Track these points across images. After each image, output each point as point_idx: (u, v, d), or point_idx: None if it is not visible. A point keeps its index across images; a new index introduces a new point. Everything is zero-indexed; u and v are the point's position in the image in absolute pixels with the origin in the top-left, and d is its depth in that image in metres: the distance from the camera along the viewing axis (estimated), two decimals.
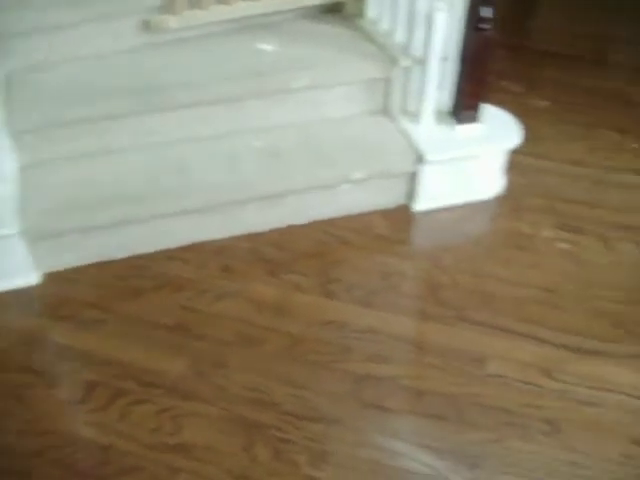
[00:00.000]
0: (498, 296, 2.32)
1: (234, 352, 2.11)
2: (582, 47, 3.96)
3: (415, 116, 2.63)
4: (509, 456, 1.89)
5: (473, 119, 2.60)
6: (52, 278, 2.32)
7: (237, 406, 1.97)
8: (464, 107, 2.56)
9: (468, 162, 2.59)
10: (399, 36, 2.64)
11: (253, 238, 2.45)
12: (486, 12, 2.40)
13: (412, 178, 2.56)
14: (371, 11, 2.80)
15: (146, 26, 2.56)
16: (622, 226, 2.67)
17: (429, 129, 2.61)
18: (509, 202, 2.70)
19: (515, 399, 2.02)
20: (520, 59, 3.78)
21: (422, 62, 2.52)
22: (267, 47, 2.66)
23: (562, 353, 2.16)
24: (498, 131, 2.67)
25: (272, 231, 2.47)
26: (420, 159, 2.50)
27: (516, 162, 2.84)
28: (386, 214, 2.58)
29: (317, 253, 2.41)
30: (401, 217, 2.58)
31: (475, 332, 2.20)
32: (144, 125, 2.46)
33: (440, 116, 2.64)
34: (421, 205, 2.60)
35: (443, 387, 2.04)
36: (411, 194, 2.60)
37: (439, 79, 2.55)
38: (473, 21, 2.43)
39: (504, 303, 2.30)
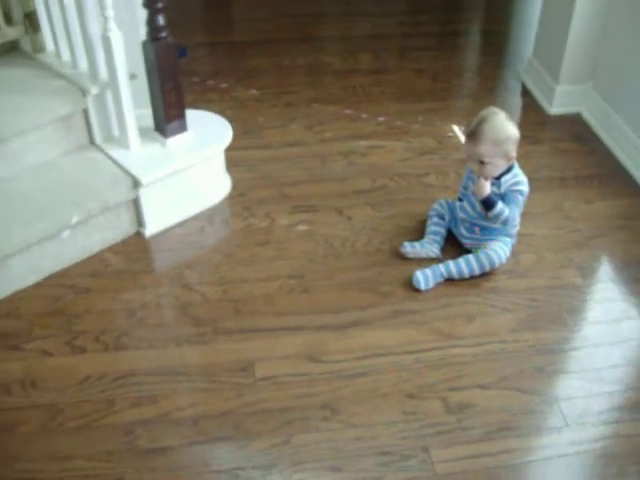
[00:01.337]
0: (248, 298, 2.29)
1: None
2: (285, 29, 4.05)
3: (122, 141, 2.53)
4: (297, 453, 1.87)
5: (180, 129, 2.54)
6: None
7: None
8: (167, 120, 2.49)
9: (186, 173, 2.52)
10: (83, 64, 2.52)
11: None
12: (160, 21, 2.34)
13: (135, 205, 2.46)
14: (49, 44, 2.65)
15: None
16: (352, 192, 2.75)
17: (139, 151, 2.52)
18: (239, 201, 2.69)
19: (289, 395, 2.01)
20: (225, 55, 3.79)
21: (111, 85, 2.43)
22: None
23: (322, 334, 2.18)
24: (209, 134, 2.63)
25: (1, 301, 2.27)
26: (137, 184, 2.40)
27: (237, 158, 2.84)
28: (119, 248, 2.47)
29: (56, 310, 2.25)
30: (135, 247, 2.48)
31: (235, 341, 2.15)
32: None
33: (148, 135, 2.56)
34: (152, 229, 2.51)
35: (217, 407, 1.98)
36: (139, 221, 2.50)
37: (134, 98, 2.46)
38: (152, 33, 2.36)
39: (255, 303, 2.27)
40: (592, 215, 2.68)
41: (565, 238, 2.56)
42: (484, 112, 2.31)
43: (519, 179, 2.35)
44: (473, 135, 2.28)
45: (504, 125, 2.27)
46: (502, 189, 2.33)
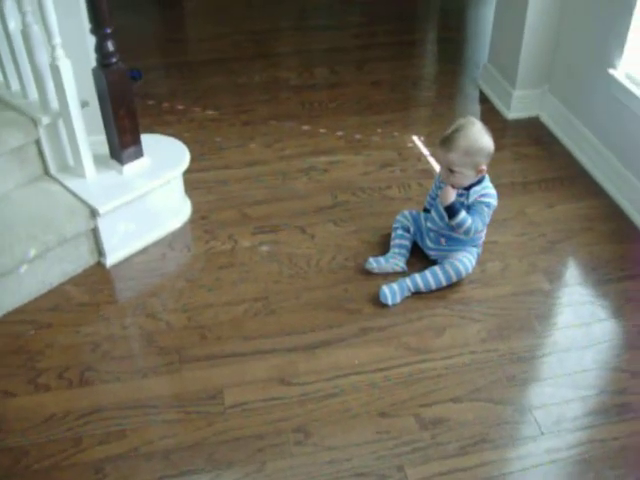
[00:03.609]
0: (214, 323, 2.25)
1: None
2: (240, 46, 4.04)
3: (77, 171, 2.48)
4: None
5: (137, 155, 2.50)
6: None
7: None
8: (122, 146, 2.45)
9: (145, 200, 2.48)
10: (32, 94, 2.47)
11: None
12: (109, 47, 2.30)
13: (94, 235, 2.41)
14: None
15: None
16: (314, 210, 2.73)
17: (95, 180, 2.48)
18: (200, 224, 2.65)
19: (261, 421, 1.97)
20: (180, 76, 3.75)
21: (63, 114, 2.38)
22: None
23: (292, 356, 2.14)
24: (165, 158, 2.60)
25: None
26: (94, 214, 2.36)
27: (197, 181, 2.81)
28: (80, 280, 2.41)
29: (17, 349, 2.18)
30: (96, 278, 2.42)
31: (203, 369, 2.11)
32: None
33: (104, 162, 2.52)
34: (112, 258, 2.47)
35: (187, 438, 1.93)
36: (99, 250, 2.45)
37: (88, 126, 2.42)
38: (101, 59, 2.32)
39: (222, 328, 2.23)
40: (556, 219, 2.68)
41: (530, 244, 2.56)
42: (462, 120, 2.29)
43: (487, 191, 2.33)
44: (447, 141, 2.26)
45: (479, 136, 2.25)
46: (470, 200, 2.32)
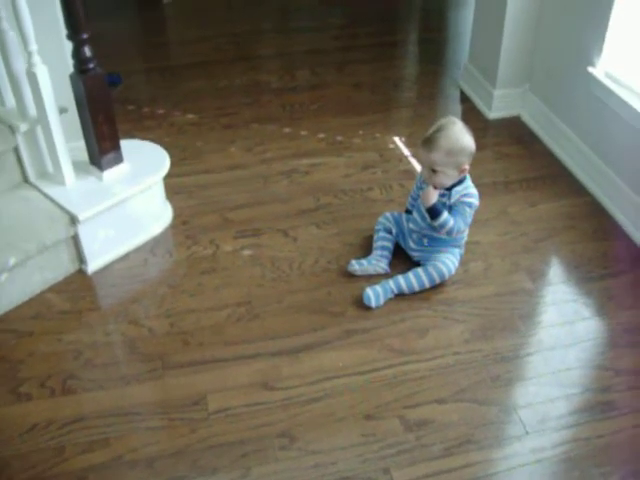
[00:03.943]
0: (196, 329, 2.24)
1: None
2: (220, 49, 4.02)
3: (57, 178, 2.46)
4: None
5: (116, 161, 2.48)
6: None
7: None
8: (102, 152, 2.43)
9: (125, 205, 2.46)
10: (9, 101, 2.45)
11: None
12: (86, 52, 2.29)
13: (74, 242, 2.39)
14: None
15: None
16: (296, 213, 2.72)
17: (75, 186, 2.46)
18: (181, 229, 2.64)
19: (245, 426, 1.96)
20: (161, 80, 3.73)
21: (41, 121, 2.36)
22: None
23: (274, 361, 2.13)
24: (145, 163, 2.58)
25: None
26: (74, 221, 2.34)
27: (178, 185, 2.80)
28: (61, 287, 2.39)
29: None
30: (77, 285, 2.40)
31: (186, 375, 2.09)
32: None
33: (84, 169, 2.50)
34: (93, 265, 2.44)
35: (171, 445, 1.91)
36: (80, 258, 2.43)
37: (67, 132, 2.41)
38: (78, 65, 2.30)
39: (204, 334, 2.22)
40: (538, 218, 2.68)
41: (512, 243, 2.56)
42: (443, 120, 2.29)
43: (469, 191, 2.33)
44: (428, 142, 2.26)
45: (460, 136, 2.25)
46: (452, 200, 2.32)
